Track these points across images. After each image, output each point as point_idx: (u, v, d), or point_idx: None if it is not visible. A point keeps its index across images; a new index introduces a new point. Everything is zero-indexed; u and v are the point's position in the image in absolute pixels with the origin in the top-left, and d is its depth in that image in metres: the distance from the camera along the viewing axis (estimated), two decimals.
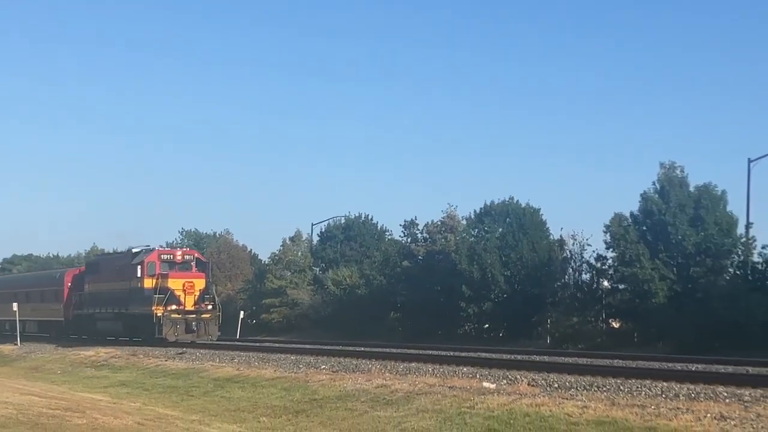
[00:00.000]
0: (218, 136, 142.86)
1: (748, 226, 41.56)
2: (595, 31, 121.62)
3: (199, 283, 43.22)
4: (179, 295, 42.31)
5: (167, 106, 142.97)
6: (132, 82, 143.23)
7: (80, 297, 51.23)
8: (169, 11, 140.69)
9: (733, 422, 15.29)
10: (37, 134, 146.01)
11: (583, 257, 48.22)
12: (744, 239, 41.86)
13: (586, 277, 48.01)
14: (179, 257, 44.53)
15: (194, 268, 44.28)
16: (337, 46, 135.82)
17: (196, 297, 42.75)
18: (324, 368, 27.33)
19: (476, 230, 52.20)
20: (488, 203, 52.01)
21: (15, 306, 53.37)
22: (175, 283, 42.50)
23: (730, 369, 23.98)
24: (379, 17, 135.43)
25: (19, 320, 54.38)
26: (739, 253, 42.11)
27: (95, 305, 48.95)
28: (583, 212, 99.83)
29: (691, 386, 19.16)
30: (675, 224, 42.43)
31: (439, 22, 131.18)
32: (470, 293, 47.81)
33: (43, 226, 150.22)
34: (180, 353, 37.08)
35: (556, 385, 20.45)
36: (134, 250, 45.65)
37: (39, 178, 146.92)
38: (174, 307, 42.14)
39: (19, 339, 52.34)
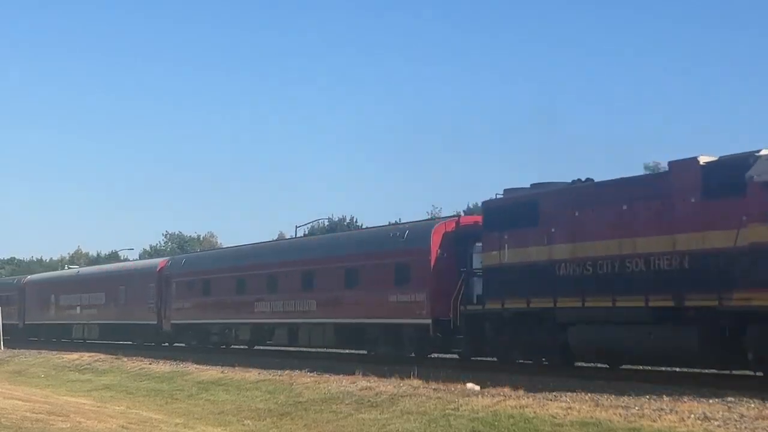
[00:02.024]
0: (202, 139, 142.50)
1: None
2: (578, 28, 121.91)
3: None
4: None
5: (149, 108, 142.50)
6: (109, 82, 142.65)
7: (487, 276, 25.16)
8: (153, 11, 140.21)
9: (716, 422, 15.33)
10: (16, 134, 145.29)
11: None
12: None
13: None
14: None
15: None
16: (319, 45, 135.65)
17: None
18: (308, 370, 27.30)
19: None
20: (472, 204, 52.24)
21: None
22: None
23: (713, 369, 24.02)
24: (363, 19, 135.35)
25: (276, 323, 34.95)
26: None
27: (544, 291, 23.05)
28: None
29: (675, 387, 19.20)
30: None
31: (424, 21, 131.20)
32: None
33: (25, 229, 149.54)
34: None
35: (540, 387, 20.47)
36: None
37: (19, 179, 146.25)
38: None
39: (2, 343, 51.97)
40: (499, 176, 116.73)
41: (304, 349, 34.02)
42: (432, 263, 27.31)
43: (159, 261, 45.78)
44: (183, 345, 41.35)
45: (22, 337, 56.41)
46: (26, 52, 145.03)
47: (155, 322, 42.35)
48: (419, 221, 31.45)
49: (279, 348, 35.66)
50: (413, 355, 28.23)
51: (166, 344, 42.69)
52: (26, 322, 57.45)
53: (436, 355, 28.88)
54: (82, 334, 50.26)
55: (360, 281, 30.39)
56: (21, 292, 58.46)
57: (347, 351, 32.55)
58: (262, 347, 37.22)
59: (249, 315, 35.99)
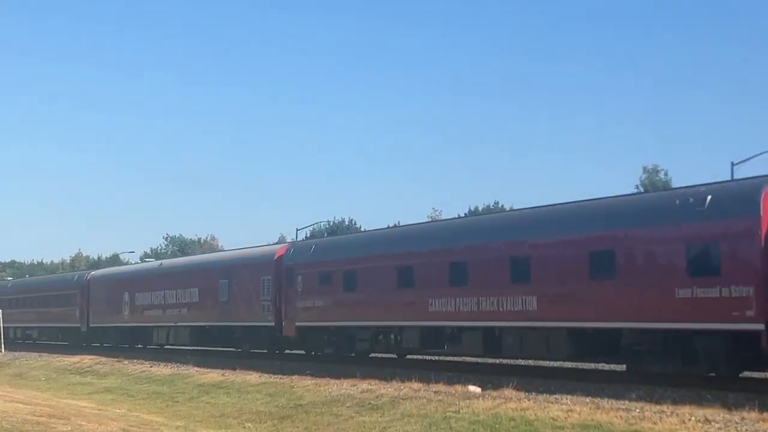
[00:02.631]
0: (203, 143, 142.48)
1: None
2: (581, 30, 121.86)
3: None
4: None
5: (149, 111, 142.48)
6: (110, 85, 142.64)
7: None
8: (152, 14, 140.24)
9: (717, 425, 15.37)
10: (16, 137, 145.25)
11: None
12: None
13: None
14: None
15: None
16: (320, 48, 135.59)
17: None
18: (309, 373, 27.28)
19: None
20: (473, 207, 52.25)
21: None
22: None
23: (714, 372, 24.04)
24: (363, 20, 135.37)
25: (464, 326, 26.11)
26: None
27: None
28: None
29: (676, 389, 19.21)
30: None
31: (431, 20, 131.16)
32: None
33: (25, 232, 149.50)
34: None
35: (541, 389, 20.49)
36: None
37: (19, 184, 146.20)
38: None
39: (3, 345, 51.91)
40: (499, 180, 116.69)
41: (450, 358, 30.14)
42: (763, 241, 19.06)
43: (277, 248, 36.16)
44: (307, 352, 34.39)
45: (84, 342, 50.27)
46: (27, 54, 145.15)
47: (272, 324, 33.87)
48: (726, 181, 22.01)
49: (469, 359, 29.68)
50: (713, 374, 20.69)
51: (285, 351, 35.74)
52: (91, 325, 49.60)
53: (749, 374, 21.32)
54: (167, 339, 42.64)
55: (616, 269, 21.71)
56: (84, 290, 50.42)
57: (590, 366, 25.68)
58: (433, 356, 30.54)
59: (419, 315, 27.40)
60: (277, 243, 36.12)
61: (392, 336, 29.31)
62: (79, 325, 50.46)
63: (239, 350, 36.96)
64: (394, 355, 30.78)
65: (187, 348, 40.87)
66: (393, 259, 28.79)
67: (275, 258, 34.42)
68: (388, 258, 29.03)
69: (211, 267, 39.61)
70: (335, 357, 30.72)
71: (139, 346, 45.36)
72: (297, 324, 32.51)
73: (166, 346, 43.19)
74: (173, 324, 41.17)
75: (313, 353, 33.45)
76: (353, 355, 30.85)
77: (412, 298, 27.66)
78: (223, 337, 38.11)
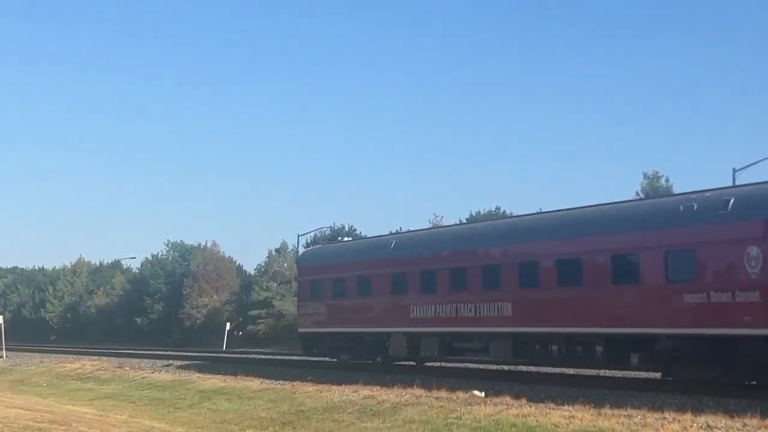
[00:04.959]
0: (204, 147, 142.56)
1: None
2: (584, 33, 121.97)
3: None
4: None
5: (149, 118, 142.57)
6: (110, 87, 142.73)
7: None
8: (152, 17, 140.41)
9: (719, 431, 15.36)
10: (17, 141, 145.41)
11: None
12: None
13: None
14: None
15: None
16: (321, 51, 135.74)
17: None
18: (310, 379, 27.28)
19: None
20: (474, 213, 52.24)
21: None
22: None
23: None
24: (363, 24, 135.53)
25: None
26: None
27: None
28: None
29: (678, 396, 19.20)
30: None
31: (431, 20, 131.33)
32: None
33: (27, 238, 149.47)
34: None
35: (543, 395, 20.48)
36: None
37: (20, 188, 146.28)
38: None
39: (4, 351, 51.96)
40: (498, 184, 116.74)
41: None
42: None
43: None
44: None
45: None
46: (27, 57, 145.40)
47: None
48: None
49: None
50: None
51: None
52: None
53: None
54: None
55: None
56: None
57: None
58: None
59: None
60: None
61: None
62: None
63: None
64: None
65: None
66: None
67: None
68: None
69: None
70: None
71: None
72: None
73: None
74: None
75: None
76: None
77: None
78: None
